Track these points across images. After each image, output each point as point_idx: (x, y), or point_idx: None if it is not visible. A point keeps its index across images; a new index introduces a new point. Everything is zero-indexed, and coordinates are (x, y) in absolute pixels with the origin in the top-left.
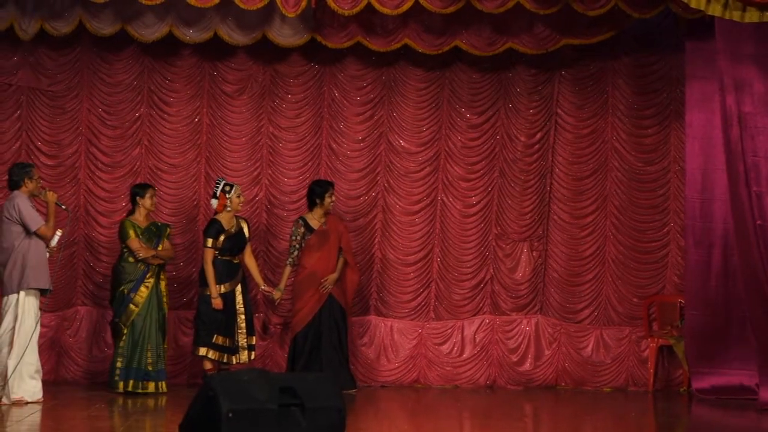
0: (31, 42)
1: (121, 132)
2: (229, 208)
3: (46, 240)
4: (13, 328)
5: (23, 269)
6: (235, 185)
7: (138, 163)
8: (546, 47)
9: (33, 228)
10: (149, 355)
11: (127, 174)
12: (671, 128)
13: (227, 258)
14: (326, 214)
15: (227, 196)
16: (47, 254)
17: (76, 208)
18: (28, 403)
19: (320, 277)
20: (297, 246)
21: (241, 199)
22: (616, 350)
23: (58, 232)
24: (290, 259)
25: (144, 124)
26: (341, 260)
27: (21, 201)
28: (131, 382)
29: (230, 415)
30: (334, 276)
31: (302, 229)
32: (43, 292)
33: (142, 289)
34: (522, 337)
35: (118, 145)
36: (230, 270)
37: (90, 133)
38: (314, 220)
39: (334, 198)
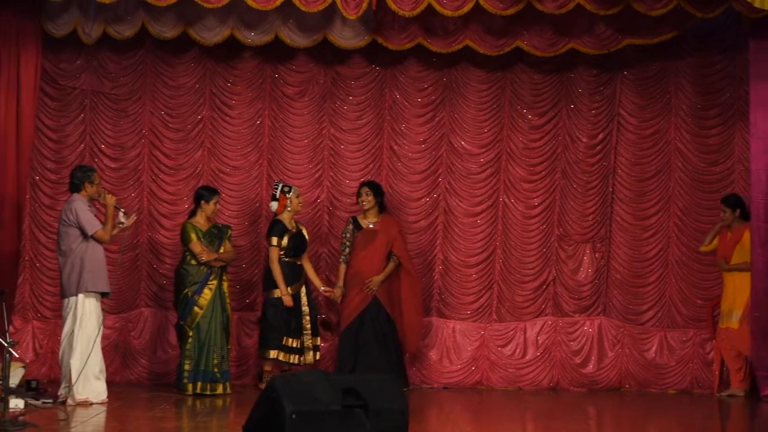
0: (94, 46)
1: (184, 135)
2: (289, 209)
3: (104, 242)
4: (73, 330)
5: (81, 272)
6: (293, 186)
7: (200, 166)
8: (608, 48)
9: (89, 232)
10: (215, 356)
11: (189, 176)
12: (735, 128)
13: (291, 259)
14: (378, 213)
15: (287, 196)
16: (118, 235)
17: (140, 210)
18: (92, 404)
19: (364, 277)
20: (347, 243)
21: (300, 199)
22: (681, 352)
23: (126, 215)
24: (342, 257)
25: (206, 126)
26: (391, 264)
27: (78, 205)
28: (199, 384)
29: (294, 416)
30: (378, 278)
31: (351, 227)
32: (103, 295)
33: (206, 291)
34: (585, 338)
35: (180, 147)
36: (294, 272)
37: (153, 136)
38: (365, 219)
39: (363, 198)
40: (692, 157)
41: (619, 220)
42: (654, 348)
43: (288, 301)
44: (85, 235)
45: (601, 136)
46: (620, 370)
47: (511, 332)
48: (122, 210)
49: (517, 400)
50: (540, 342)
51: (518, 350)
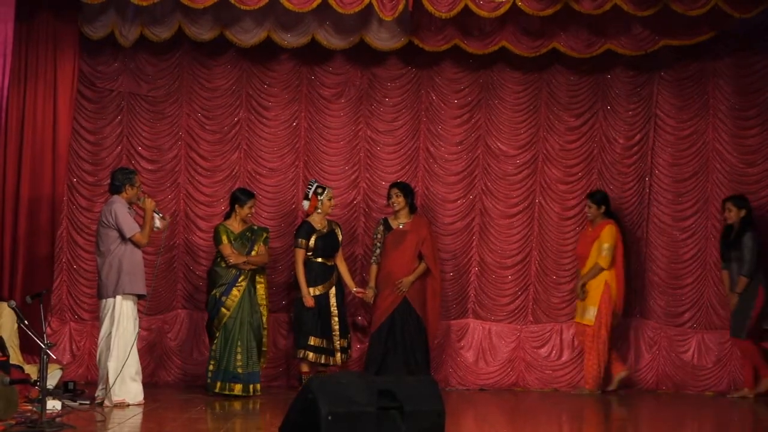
0: (131, 48)
1: (220, 136)
2: (319, 210)
3: (142, 245)
4: (111, 332)
5: (119, 274)
6: (327, 188)
7: (237, 168)
8: (645, 48)
9: (128, 234)
10: (239, 357)
11: (226, 178)
12: None
13: (321, 260)
14: (409, 214)
15: (319, 198)
16: (156, 230)
17: (176, 212)
18: (129, 405)
19: (395, 278)
20: (379, 245)
21: (332, 202)
22: (718, 354)
23: (162, 219)
24: (374, 258)
25: (243, 128)
26: (422, 265)
27: (118, 207)
28: (219, 383)
29: (330, 417)
30: (409, 278)
31: (381, 228)
32: (140, 297)
33: (234, 292)
34: (621, 340)
35: (217, 149)
36: (325, 272)
37: (189, 138)
38: (395, 220)
39: (393, 200)
40: (731, 158)
41: (657, 221)
42: (691, 350)
43: (309, 301)
44: (123, 237)
45: (638, 138)
46: (657, 372)
47: (547, 334)
48: (159, 214)
49: (553, 402)
50: (576, 344)
51: (554, 352)
